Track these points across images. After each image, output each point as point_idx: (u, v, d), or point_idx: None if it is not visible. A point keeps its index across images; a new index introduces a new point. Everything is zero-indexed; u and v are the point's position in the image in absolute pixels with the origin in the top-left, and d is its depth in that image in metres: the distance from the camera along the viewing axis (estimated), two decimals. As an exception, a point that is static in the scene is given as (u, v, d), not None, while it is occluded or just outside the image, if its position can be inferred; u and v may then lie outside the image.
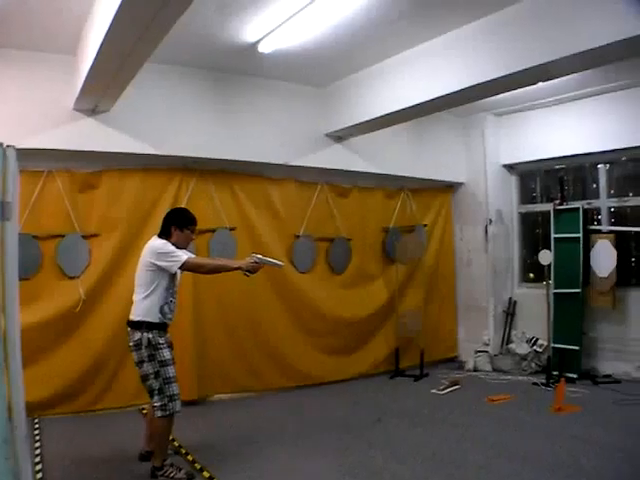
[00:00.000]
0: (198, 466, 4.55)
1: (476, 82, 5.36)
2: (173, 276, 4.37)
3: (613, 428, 5.44)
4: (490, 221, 8.54)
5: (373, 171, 7.74)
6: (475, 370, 8.28)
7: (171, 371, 4.27)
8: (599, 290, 7.43)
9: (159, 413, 4.24)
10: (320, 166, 7.27)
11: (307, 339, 7.46)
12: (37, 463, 4.54)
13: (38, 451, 4.85)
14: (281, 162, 6.98)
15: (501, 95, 6.28)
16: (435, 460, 4.71)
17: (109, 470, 4.55)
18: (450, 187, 8.96)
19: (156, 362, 4.23)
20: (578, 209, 7.63)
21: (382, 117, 6.51)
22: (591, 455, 4.71)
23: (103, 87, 5.17)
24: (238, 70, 6.54)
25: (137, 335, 4.25)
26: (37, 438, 5.20)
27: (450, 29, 5.57)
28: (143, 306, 4.29)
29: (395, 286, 8.17)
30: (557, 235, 7.80)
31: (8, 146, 2.80)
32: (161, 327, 4.32)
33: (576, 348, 7.46)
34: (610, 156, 7.72)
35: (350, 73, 6.78)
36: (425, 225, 8.55)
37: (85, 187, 6.23)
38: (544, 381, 7.26)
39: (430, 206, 8.77)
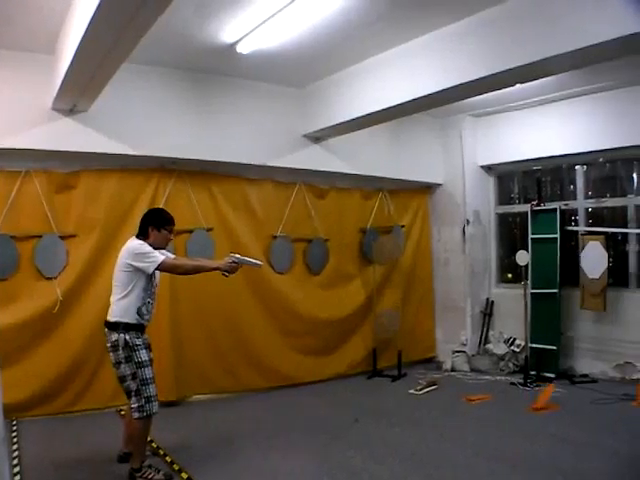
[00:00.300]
0: (177, 467, 4.54)
1: (455, 83, 5.38)
2: (151, 277, 4.34)
3: (590, 427, 5.51)
4: (468, 222, 8.58)
5: (351, 172, 7.75)
6: (453, 370, 8.34)
7: (148, 372, 4.24)
8: (590, 292, 7.44)
9: (136, 415, 4.22)
10: (298, 167, 7.27)
11: (285, 340, 7.46)
12: (15, 465, 4.51)
13: (16, 453, 4.81)
14: (259, 163, 6.96)
15: (479, 96, 6.34)
16: (414, 460, 4.74)
17: (88, 472, 4.52)
18: (428, 188, 8.98)
19: (133, 363, 4.20)
20: (555, 210, 7.71)
21: (361, 118, 6.51)
22: (568, 454, 4.77)
23: (81, 87, 5.12)
24: (217, 71, 6.51)
25: (114, 336, 4.23)
26: (15, 440, 5.15)
27: (429, 30, 5.58)
28: (120, 307, 4.26)
29: (373, 287, 8.19)
30: (534, 236, 7.89)
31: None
32: (138, 328, 4.29)
33: (553, 348, 7.54)
34: (587, 157, 7.79)
35: (329, 74, 6.77)
36: (403, 226, 8.58)
37: (63, 187, 6.18)
38: (522, 381, 7.32)
39: (408, 207, 8.79)
